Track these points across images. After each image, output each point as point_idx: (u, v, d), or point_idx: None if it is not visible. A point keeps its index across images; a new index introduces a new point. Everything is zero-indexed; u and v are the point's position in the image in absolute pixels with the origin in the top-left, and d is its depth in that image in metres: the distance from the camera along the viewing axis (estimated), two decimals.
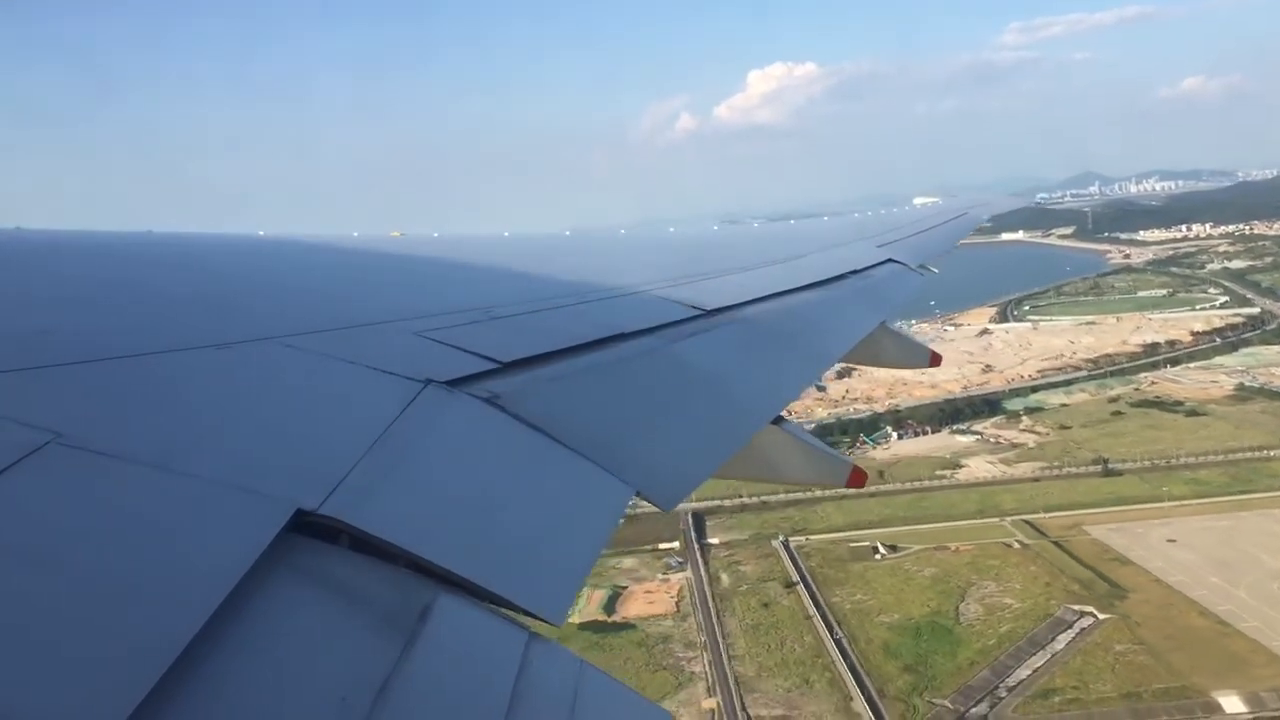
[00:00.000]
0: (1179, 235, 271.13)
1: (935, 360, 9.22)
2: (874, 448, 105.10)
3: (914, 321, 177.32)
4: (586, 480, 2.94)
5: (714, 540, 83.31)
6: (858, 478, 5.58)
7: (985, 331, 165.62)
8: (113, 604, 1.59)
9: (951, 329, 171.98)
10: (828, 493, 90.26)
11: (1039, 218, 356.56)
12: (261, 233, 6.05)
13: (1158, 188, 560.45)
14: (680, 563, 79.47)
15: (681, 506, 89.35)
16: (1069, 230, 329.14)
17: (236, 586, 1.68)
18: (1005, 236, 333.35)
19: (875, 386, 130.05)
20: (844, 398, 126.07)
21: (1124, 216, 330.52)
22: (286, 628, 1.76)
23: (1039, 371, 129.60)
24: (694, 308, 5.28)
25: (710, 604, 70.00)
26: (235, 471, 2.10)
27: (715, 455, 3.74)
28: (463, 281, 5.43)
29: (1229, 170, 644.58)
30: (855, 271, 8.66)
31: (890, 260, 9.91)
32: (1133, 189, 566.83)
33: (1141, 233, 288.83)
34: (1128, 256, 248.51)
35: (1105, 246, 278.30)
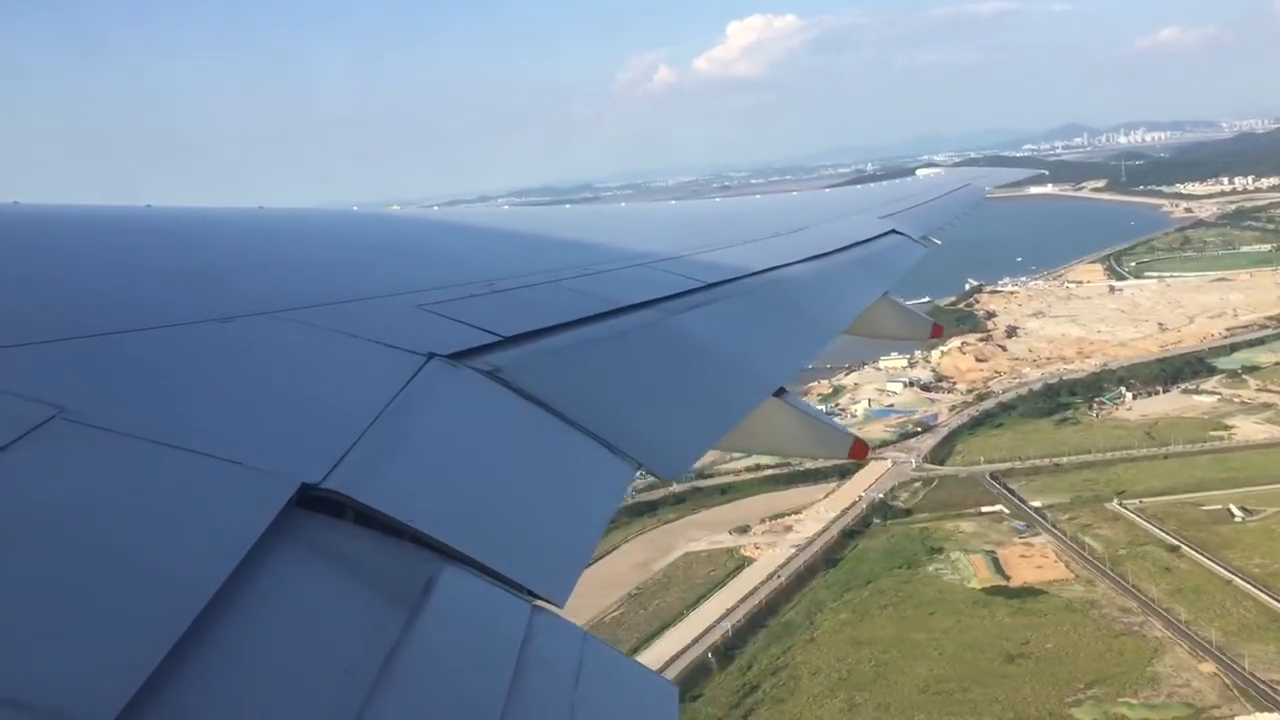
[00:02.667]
0: (1223, 188, 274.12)
1: (936, 331, 9.22)
2: (1115, 408, 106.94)
3: (1024, 279, 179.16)
4: (589, 455, 2.94)
5: (1035, 503, 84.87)
6: (859, 450, 5.59)
7: (1114, 289, 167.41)
8: (119, 579, 1.59)
9: (1073, 286, 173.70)
10: (1117, 454, 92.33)
11: (1057, 170, 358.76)
12: (261, 207, 6.01)
13: (1148, 138, 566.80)
14: (1025, 527, 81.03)
15: (978, 468, 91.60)
16: (1101, 183, 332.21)
17: (242, 560, 1.68)
18: (1034, 190, 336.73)
19: (1061, 345, 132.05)
20: (1031, 356, 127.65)
21: (1156, 170, 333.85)
22: (292, 601, 1.77)
23: (1228, 329, 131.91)
24: (696, 280, 5.31)
25: (1105, 569, 71.57)
26: (239, 446, 2.11)
27: (718, 428, 3.79)
28: (464, 255, 5.43)
29: (1212, 120, 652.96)
30: (858, 243, 8.70)
31: (893, 232, 9.99)
32: (1121, 140, 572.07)
33: (1179, 186, 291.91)
34: (1190, 211, 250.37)
35: (1150, 200, 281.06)
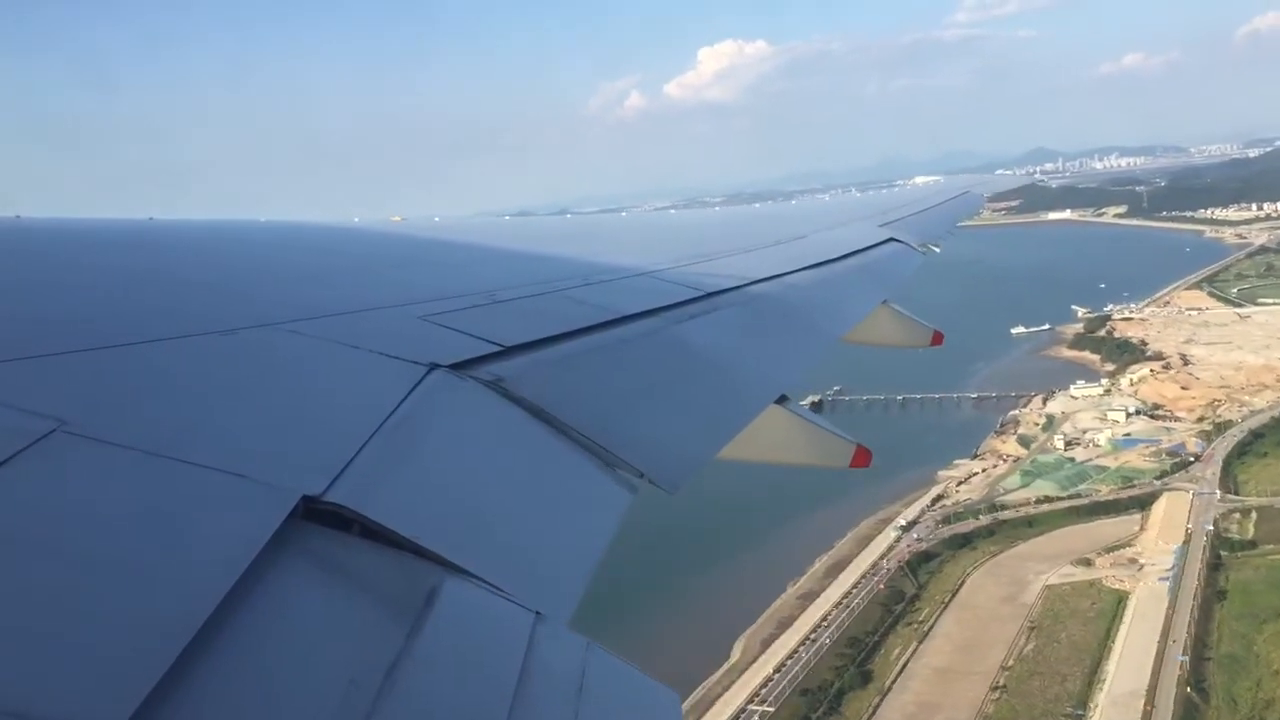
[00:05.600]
0: (1256, 214, 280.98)
1: (937, 339, 9.14)
2: None
3: (1134, 305, 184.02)
4: (591, 466, 2.99)
5: None
6: (862, 457, 5.64)
7: (1241, 315, 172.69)
8: (121, 593, 1.62)
9: (1195, 313, 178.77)
10: None
11: (1070, 196, 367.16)
12: (263, 219, 6.18)
13: (1122, 163, 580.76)
14: None
15: None
16: (1122, 209, 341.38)
17: (244, 573, 1.70)
18: (1052, 216, 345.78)
19: (1255, 372, 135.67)
20: (1230, 383, 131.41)
21: (1176, 195, 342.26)
22: (294, 613, 1.79)
23: None
24: (697, 289, 5.37)
25: None
26: (241, 458, 2.14)
27: (719, 436, 3.82)
28: (465, 265, 5.53)
29: (1181, 146, 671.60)
30: (857, 251, 8.84)
31: (892, 239, 10.14)
32: (1097, 165, 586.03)
33: (1205, 211, 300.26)
34: (1241, 237, 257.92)
35: (1182, 226, 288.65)
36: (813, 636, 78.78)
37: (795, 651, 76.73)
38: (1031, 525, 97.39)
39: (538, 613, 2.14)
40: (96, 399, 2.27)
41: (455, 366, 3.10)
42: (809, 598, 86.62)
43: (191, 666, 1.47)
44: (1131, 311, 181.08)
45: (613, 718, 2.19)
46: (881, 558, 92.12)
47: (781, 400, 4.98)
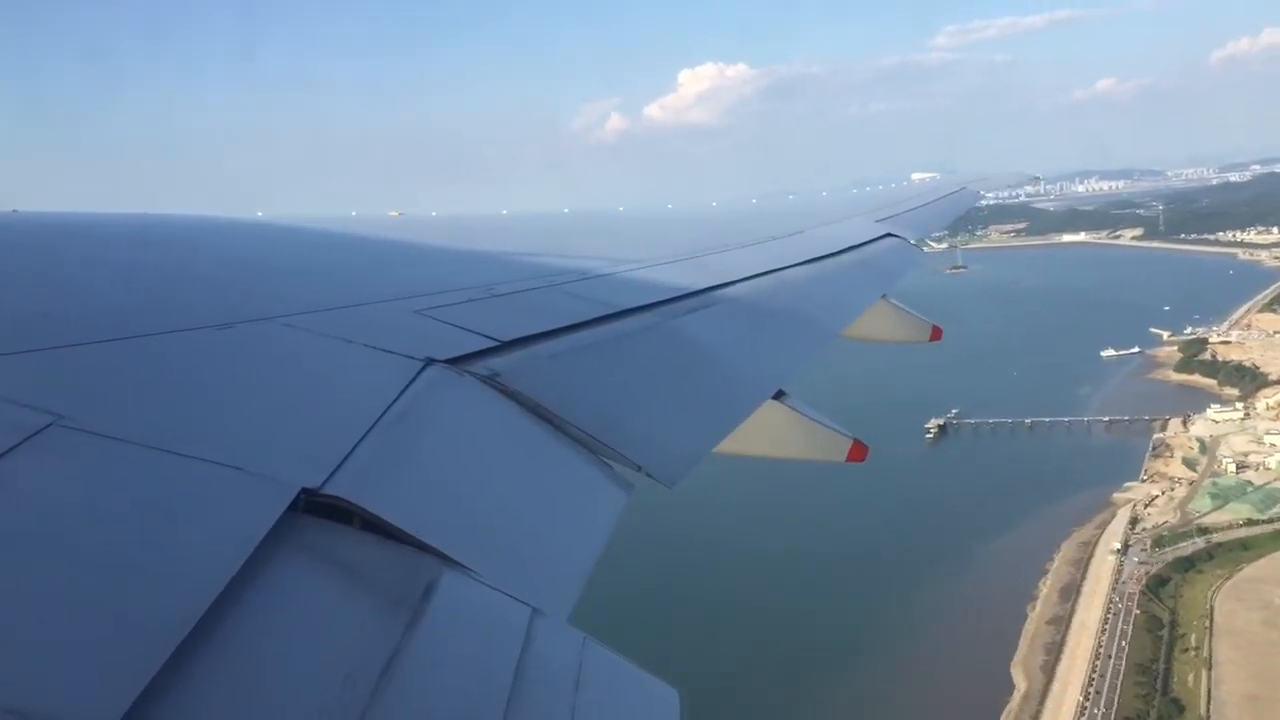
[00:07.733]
0: (1276, 237, 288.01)
1: (936, 334, 9.16)
2: None
3: (1217, 328, 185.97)
4: (589, 461, 3.03)
5: None
6: (858, 451, 5.69)
7: None
8: (118, 586, 1.62)
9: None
10: None
11: (1075, 219, 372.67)
12: (259, 214, 6.11)
13: (1104, 187, 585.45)
14: None
15: None
16: (1138, 231, 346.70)
17: (242, 566, 1.71)
18: (1067, 238, 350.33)
19: None
20: None
21: (1188, 219, 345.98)
22: (291, 606, 1.79)
23: None
24: (694, 284, 5.39)
25: None
26: (238, 451, 2.15)
27: (717, 430, 3.90)
28: (462, 260, 5.54)
29: (1158, 170, 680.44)
30: (854, 246, 8.91)
31: (889, 235, 10.28)
32: (1079, 189, 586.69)
33: (1227, 234, 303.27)
34: None
35: (1207, 248, 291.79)
36: (1098, 663, 78.20)
37: (1090, 679, 76.10)
38: (1246, 548, 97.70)
39: (535, 608, 2.16)
40: (93, 393, 2.28)
41: (452, 361, 3.12)
42: (1057, 622, 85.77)
43: (189, 660, 1.47)
44: (1219, 334, 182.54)
45: (610, 713, 2.21)
46: (1115, 582, 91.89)
47: (779, 396, 5.03)
